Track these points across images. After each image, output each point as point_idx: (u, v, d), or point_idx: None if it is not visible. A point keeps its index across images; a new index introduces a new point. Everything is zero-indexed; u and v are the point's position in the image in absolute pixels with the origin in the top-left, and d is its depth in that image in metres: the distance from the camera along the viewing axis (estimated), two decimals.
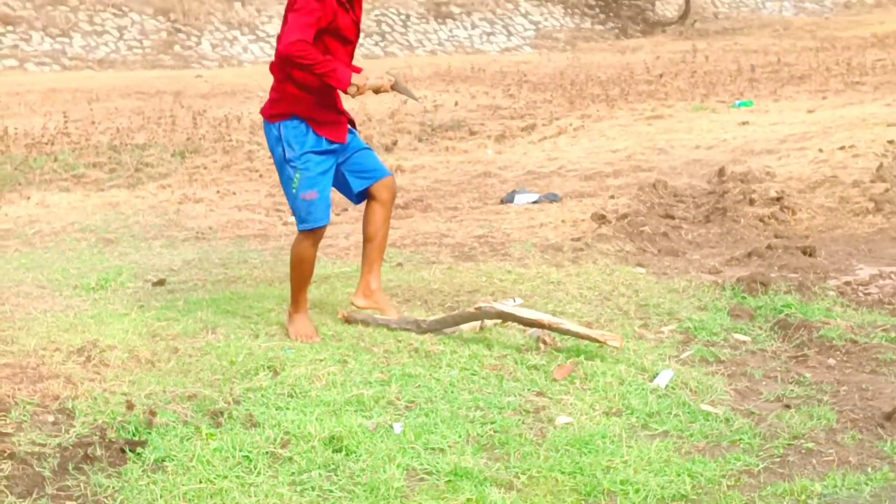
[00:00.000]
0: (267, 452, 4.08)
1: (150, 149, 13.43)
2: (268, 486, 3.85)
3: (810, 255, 7.20)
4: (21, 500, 3.74)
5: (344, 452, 4.10)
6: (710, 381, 4.94)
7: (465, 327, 5.47)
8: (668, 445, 4.24)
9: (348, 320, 5.60)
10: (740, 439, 4.34)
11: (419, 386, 4.77)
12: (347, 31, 5.34)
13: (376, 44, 28.25)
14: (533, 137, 14.07)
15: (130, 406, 4.38)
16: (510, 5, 31.82)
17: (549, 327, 5.19)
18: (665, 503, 3.84)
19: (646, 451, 4.17)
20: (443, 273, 6.78)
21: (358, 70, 5.28)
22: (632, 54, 26.07)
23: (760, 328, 5.77)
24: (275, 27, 27.21)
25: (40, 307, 5.89)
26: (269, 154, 12.73)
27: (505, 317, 5.30)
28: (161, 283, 6.73)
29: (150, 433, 4.19)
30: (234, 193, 10.60)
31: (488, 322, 5.49)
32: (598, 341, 5.09)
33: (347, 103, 5.73)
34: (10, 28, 24.49)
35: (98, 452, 4.03)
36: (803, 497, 3.84)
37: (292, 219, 9.11)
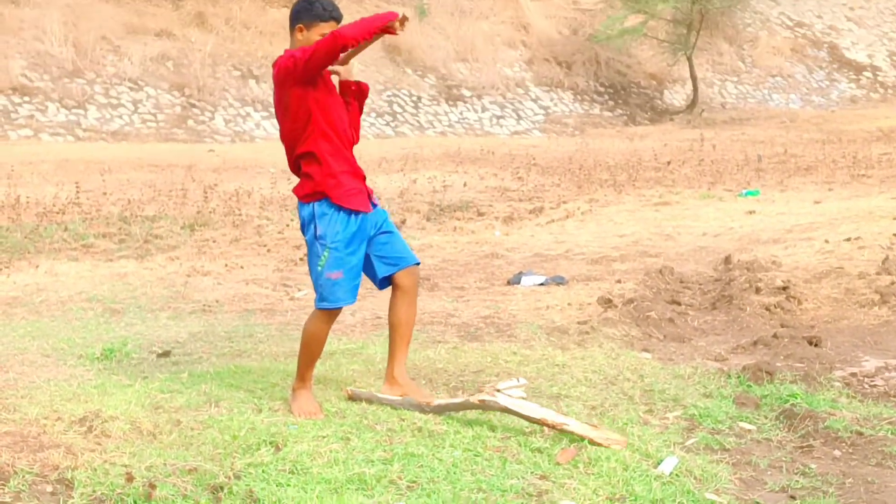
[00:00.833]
0: None
1: (160, 221, 13.51)
2: None
3: (816, 345, 7.18)
4: None
5: None
6: (715, 470, 4.89)
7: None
8: None
9: (352, 397, 5.58)
10: None
11: (422, 466, 4.73)
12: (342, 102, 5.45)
13: (387, 124, 28.54)
14: (541, 220, 14.13)
15: (130, 478, 4.34)
16: (520, 90, 32.19)
17: (553, 427, 5.14)
18: None
19: None
20: (448, 353, 6.76)
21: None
22: (640, 141, 26.30)
23: (766, 417, 5.73)
24: None
25: (44, 376, 5.88)
26: (279, 230, 12.80)
27: (509, 412, 5.25)
28: (166, 354, 6.73)
29: None
30: (242, 267, 10.64)
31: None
32: (601, 445, 5.03)
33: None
34: (26, 98, 24.80)
35: None
36: None
37: (300, 294, 9.17)
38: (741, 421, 5.65)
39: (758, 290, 8.66)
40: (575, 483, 4.64)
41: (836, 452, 5.26)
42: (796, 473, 4.96)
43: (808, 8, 41.27)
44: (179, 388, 5.68)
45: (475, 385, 5.91)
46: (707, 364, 6.73)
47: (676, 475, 4.77)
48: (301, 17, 5.36)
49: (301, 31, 5.35)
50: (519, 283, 9.60)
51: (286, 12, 30.68)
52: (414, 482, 4.57)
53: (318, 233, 5.34)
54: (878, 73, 39.05)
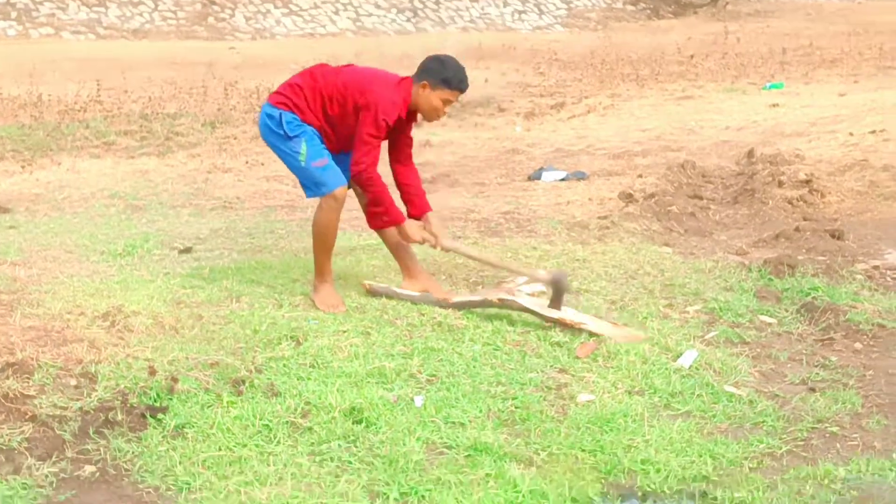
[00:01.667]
0: (287, 422, 4.09)
1: (181, 118, 13.46)
2: (287, 456, 3.86)
3: (838, 238, 7.13)
4: (41, 462, 3.77)
5: (364, 424, 4.10)
6: (735, 363, 4.90)
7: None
8: (690, 426, 4.22)
9: (371, 292, 5.60)
10: (763, 421, 4.31)
11: (441, 360, 4.76)
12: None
13: (408, 20, 28.16)
14: (562, 115, 13.99)
15: (153, 372, 4.39)
16: None
17: (573, 326, 5.14)
18: (686, 483, 3.82)
19: (668, 430, 4.15)
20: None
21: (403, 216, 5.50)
22: (663, 35, 25.85)
23: (786, 310, 5.72)
24: (307, 1, 27.17)
25: (67, 271, 5.92)
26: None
27: (528, 311, 5.25)
28: (187, 250, 6.75)
29: (171, 399, 4.21)
30: (263, 164, 10.61)
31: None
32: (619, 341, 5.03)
33: None
34: None
35: (119, 417, 4.06)
36: (826, 481, 3.81)
37: None
38: (762, 314, 5.64)
39: (780, 184, 8.58)
40: (594, 376, 4.66)
41: (857, 345, 5.26)
42: (816, 366, 4.97)
43: None
44: (201, 284, 5.71)
45: (495, 280, 5.91)
46: (728, 258, 6.70)
47: (696, 368, 4.79)
48: (431, 74, 5.37)
49: (425, 87, 5.35)
50: (539, 178, 9.54)
51: None
52: (433, 376, 4.61)
53: (290, 133, 5.37)
54: None
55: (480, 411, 4.28)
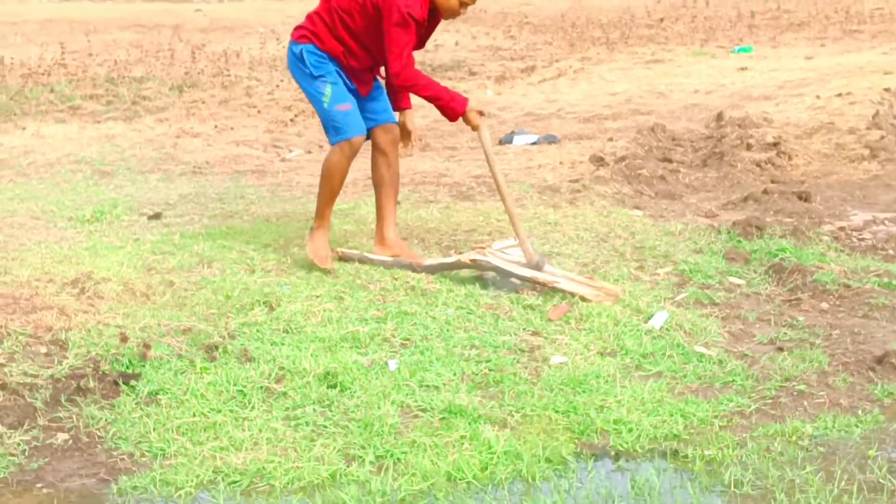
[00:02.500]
0: (261, 387, 4.10)
1: (148, 82, 13.34)
2: (262, 421, 3.87)
3: (805, 200, 7.19)
4: (12, 430, 3.76)
5: (338, 388, 4.12)
6: (705, 324, 4.95)
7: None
8: (661, 386, 4.26)
9: (343, 258, 5.59)
10: (733, 381, 4.36)
11: (415, 324, 4.78)
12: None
13: None
14: (532, 79, 13.98)
15: (124, 339, 4.38)
16: None
17: (545, 285, 5.16)
18: (657, 442, 3.86)
19: (639, 391, 4.19)
20: (440, 212, 6.76)
21: (464, 99, 5.41)
22: None
23: (755, 272, 5.77)
24: None
25: (34, 238, 5.88)
26: (268, 91, 12.67)
27: (500, 272, 5.27)
28: (157, 216, 6.72)
29: (143, 366, 4.21)
30: (232, 129, 10.54)
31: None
32: (592, 301, 5.04)
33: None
34: None
35: (91, 384, 4.05)
36: (794, 438, 3.87)
37: (290, 154, 9.13)
38: (731, 276, 5.69)
39: (749, 147, 8.63)
40: (566, 338, 4.69)
41: (824, 305, 5.32)
42: (784, 326, 5.02)
43: None
44: (171, 250, 5.68)
45: (468, 244, 5.92)
46: (697, 220, 6.75)
47: (667, 329, 4.83)
48: None
49: None
50: (511, 142, 9.54)
51: None
52: (407, 339, 4.62)
53: (315, 72, 5.31)
54: None
55: (454, 374, 4.30)
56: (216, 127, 10.62)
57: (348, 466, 3.63)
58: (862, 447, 3.80)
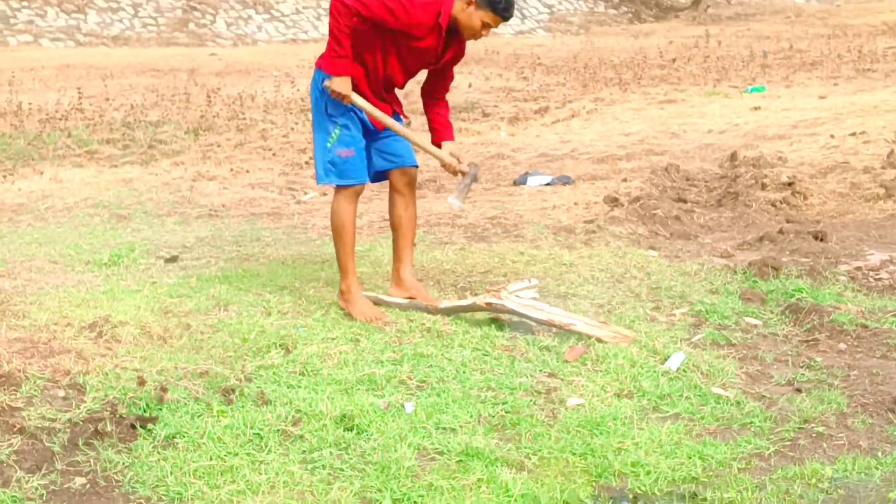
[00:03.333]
0: (278, 430, 4.09)
1: (164, 126, 13.44)
2: (279, 464, 3.86)
3: (821, 239, 7.18)
4: (30, 475, 3.75)
5: (355, 431, 4.11)
6: (722, 365, 4.93)
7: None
8: (679, 428, 4.24)
9: None
10: (751, 422, 4.34)
11: (431, 366, 4.77)
12: (428, 47, 5.28)
13: None
14: (546, 120, 14.04)
15: (142, 382, 4.39)
16: None
17: (561, 328, 5.15)
18: (676, 485, 3.84)
19: (657, 433, 4.17)
20: (455, 254, 6.78)
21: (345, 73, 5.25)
22: (645, 39, 25.99)
23: (772, 312, 5.76)
24: (289, 6, 27.16)
25: (52, 282, 5.91)
26: (283, 133, 12.72)
27: (516, 314, 5.26)
28: (174, 259, 6.75)
29: (161, 409, 4.21)
30: (248, 171, 10.61)
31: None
32: (608, 342, 5.03)
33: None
34: (25, 3, 24.49)
35: (108, 428, 4.04)
36: (814, 480, 3.84)
37: (306, 197, 9.17)
38: (747, 316, 5.68)
39: (763, 187, 8.63)
40: (583, 380, 4.68)
41: (842, 345, 5.30)
42: (802, 367, 5.00)
43: None
44: (188, 293, 5.70)
45: (484, 286, 5.92)
46: (713, 260, 6.74)
47: (683, 370, 4.81)
48: None
49: (469, 3, 5.18)
50: (525, 183, 9.57)
51: None
52: (424, 382, 4.62)
53: (329, 110, 5.30)
54: None
55: (471, 416, 4.29)
56: (232, 170, 10.69)
57: None
58: (882, 489, 3.78)
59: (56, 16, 24.62)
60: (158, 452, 3.93)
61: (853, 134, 10.62)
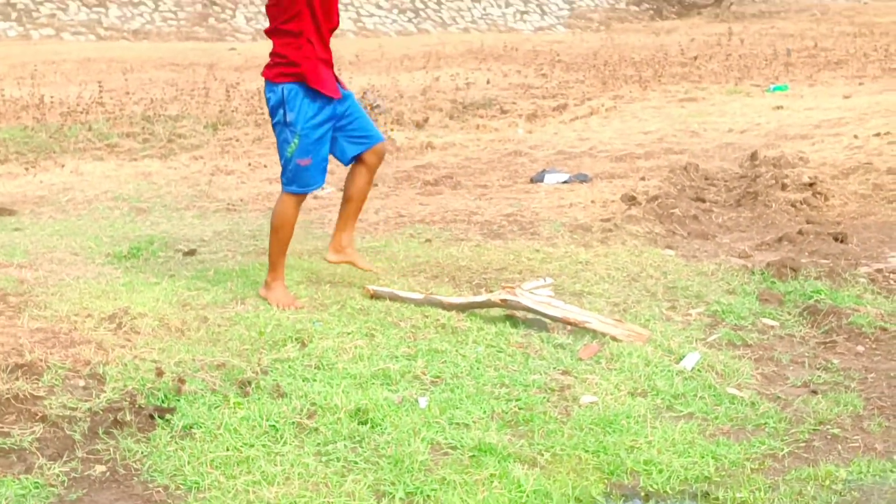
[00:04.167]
0: (293, 423, 4.12)
1: (183, 120, 13.50)
2: (294, 456, 3.89)
3: (842, 241, 7.15)
4: (52, 462, 3.81)
5: (369, 425, 4.13)
6: (737, 365, 4.93)
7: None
8: (692, 427, 4.25)
9: (374, 296, 5.63)
10: (766, 423, 4.34)
11: (445, 361, 4.79)
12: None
13: (409, 20, 28.20)
14: (564, 117, 14.02)
15: (160, 373, 4.43)
16: None
17: (576, 325, 5.17)
18: (688, 484, 3.85)
19: (670, 432, 4.18)
20: (471, 250, 6.79)
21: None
22: (666, 36, 25.92)
23: (789, 313, 5.75)
24: None
25: (73, 274, 5.95)
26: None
27: (531, 311, 5.29)
28: (192, 252, 6.79)
29: (178, 400, 4.25)
30: (265, 166, 10.65)
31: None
32: (623, 341, 5.05)
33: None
34: None
35: (128, 418, 4.09)
36: (828, 482, 3.84)
37: (323, 192, 9.19)
38: (764, 317, 5.67)
39: (784, 187, 8.60)
40: (597, 378, 4.69)
41: (860, 348, 5.28)
42: (818, 369, 5.00)
43: None
44: (206, 286, 5.74)
45: (499, 283, 5.94)
46: (731, 261, 6.73)
47: (698, 370, 4.82)
48: None
49: None
50: (542, 180, 9.57)
51: None
52: (438, 377, 4.64)
53: (288, 119, 5.42)
54: None
55: (484, 412, 4.31)
56: (250, 164, 10.73)
57: (379, 503, 3.64)
58: None
59: (78, 10, 24.74)
60: (176, 442, 3.97)
61: (877, 134, 10.57)
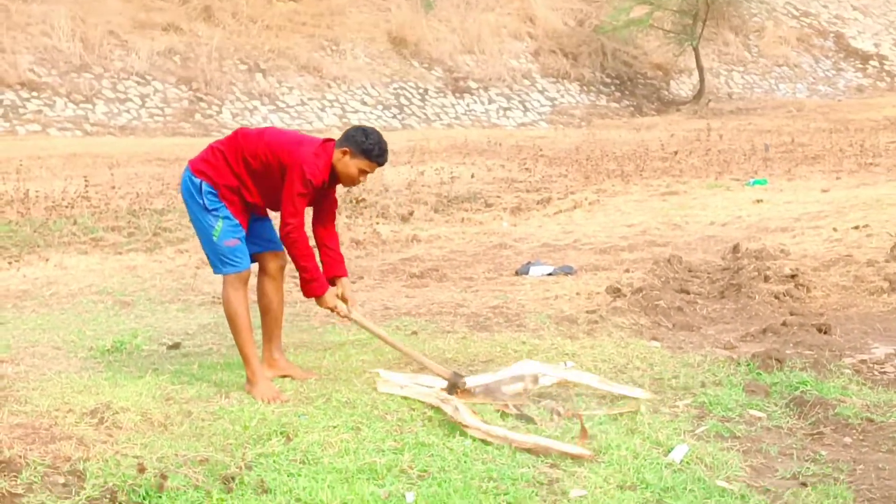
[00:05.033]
0: None
1: (169, 214, 13.53)
2: None
3: (825, 332, 7.17)
4: None
5: None
6: (726, 457, 4.89)
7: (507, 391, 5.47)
8: None
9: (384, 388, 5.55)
10: None
11: (432, 455, 4.74)
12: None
13: (394, 116, 28.53)
14: (548, 211, 14.13)
15: (142, 469, 4.36)
16: (527, 81, 32.16)
17: (522, 447, 4.90)
18: None
19: None
20: (458, 342, 6.77)
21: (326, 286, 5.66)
22: (647, 131, 26.27)
23: (776, 405, 5.73)
24: (294, 98, 27.51)
25: (55, 368, 5.90)
26: None
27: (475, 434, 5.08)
28: (176, 346, 6.75)
29: (160, 497, 4.17)
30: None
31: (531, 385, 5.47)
32: (575, 456, 4.83)
33: None
34: (34, 93, 24.83)
35: None
36: None
37: None
38: (751, 408, 5.65)
39: (766, 279, 8.65)
40: (585, 471, 4.64)
41: (847, 439, 5.25)
42: (807, 460, 4.96)
43: None
44: (190, 380, 5.70)
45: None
46: (716, 352, 6.73)
47: (687, 463, 4.77)
48: (353, 143, 5.54)
49: (345, 153, 5.54)
50: (527, 273, 9.60)
51: (293, 6, 30.73)
52: (425, 471, 4.58)
53: (208, 205, 5.51)
54: (884, 61, 38.95)
55: None
56: None
57: None
58: None
59: (64, 106, 24.94)
60: None
61: (856, 227, 10.68)
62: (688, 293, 8.40)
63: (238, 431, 4.90)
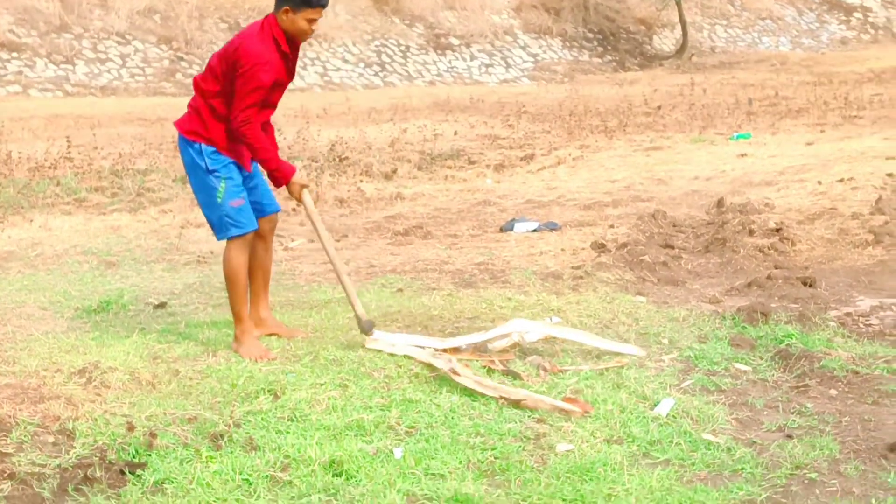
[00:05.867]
0: (267, 476, 4.07)
1: (152, 174, 13.46)
2: None
3: (810, 285, 7.20)
4: None
5: (344, 477, 4.09)
6: (712, 411, 4.92)
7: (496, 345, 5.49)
8: (669, 474, 4.22)
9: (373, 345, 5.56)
10: (742, 469, 4.33)
11: (419, 411, 4.76)
12: (283, 79, 5.56)
13: (376, 74, 28.36)
14: (532, 167, 14.11)
15: (131, 428, 4.37)
16: (509, 38, 31.98)
17: (510, 401, 4.93)
18: None
19: (647, 479, 4.16)
20: (443, 299, 6.78)
21: (292, 169, 5.61)
22: (630, 87, 26.19)
23: (761, 358, 5.76)
24: None
25: (42, 329, 5.89)
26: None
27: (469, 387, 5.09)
28: (162, 305, 6.74)
29: (150, 455, 4.19)
30: None
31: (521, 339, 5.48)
32: (565, 412, 4.86)
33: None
34: (14, 55, 24.57)
35: (98, 474, 4.02)
36: None
37: (293, 244, 9.16)
38: (737, 362, 5.68)
39: (751, 233, 8.67)
40: (572, 426, 4.67)
41: (833, 391, 5.29)
42: (793, 413, 5.00)
43: None
44: (177, 339, 5.69)
45: (471, 331, 5.89)
46: (702, 306, 6.75)
47: (673, 416, 4.81)
48: (289, 1, 5.42)
49: (287, 12, 5.43)
50: (512, 229, 9.60)
51: None
52: (412, 427, 4.60)
53: (210, 167, 5.47)
54: (868, 13, 38.86)
55: (460, 462, 4.27)
56: None
57: None
58: None
59: (45, 66, 24.70)
60: (147, 498, 3.90)
61: (841, 180, 10.70)
62: (672, 248, 8.42)
63: (226, 390, 4.91)
